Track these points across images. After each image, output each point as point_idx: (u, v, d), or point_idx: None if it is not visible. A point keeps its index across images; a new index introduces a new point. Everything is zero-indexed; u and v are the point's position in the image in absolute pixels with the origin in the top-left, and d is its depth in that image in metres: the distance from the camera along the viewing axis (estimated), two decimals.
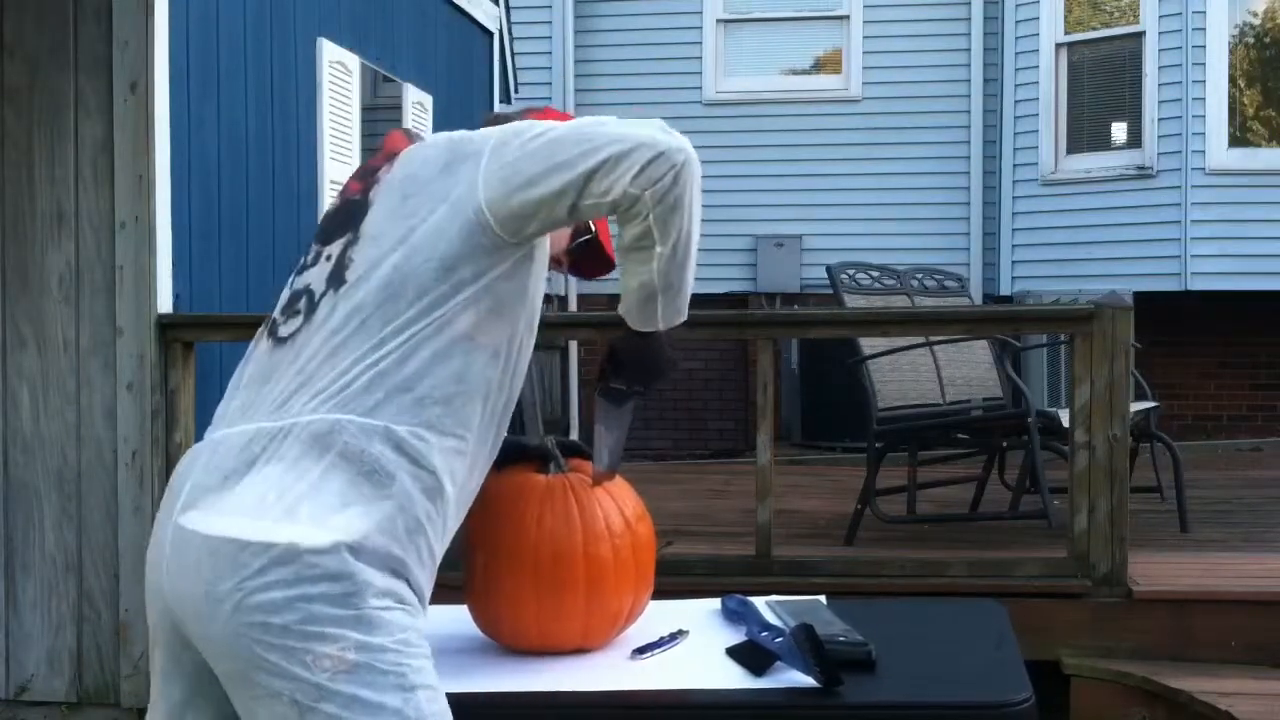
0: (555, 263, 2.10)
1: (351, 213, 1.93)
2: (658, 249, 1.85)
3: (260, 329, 1.97)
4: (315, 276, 1.91)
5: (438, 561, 1.86)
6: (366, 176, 1.97)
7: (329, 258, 1.91)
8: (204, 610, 1.74)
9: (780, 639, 1.96)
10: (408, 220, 1.85)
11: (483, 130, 1.92)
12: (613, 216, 1.87)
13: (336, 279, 1.87)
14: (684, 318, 1.97)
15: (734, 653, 2.01)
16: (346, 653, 1.71)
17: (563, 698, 1.95)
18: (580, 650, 2.13)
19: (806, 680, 1.89)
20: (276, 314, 1.94)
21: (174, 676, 1.87)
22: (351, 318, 1.82)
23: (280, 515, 1.73)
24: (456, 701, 1.79)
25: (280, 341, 1.89)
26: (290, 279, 1.98)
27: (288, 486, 1.75)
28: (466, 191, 1.83)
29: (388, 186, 1.91)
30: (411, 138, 2.00)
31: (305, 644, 1.70)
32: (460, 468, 1.86)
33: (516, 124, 1.89)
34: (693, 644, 2.14)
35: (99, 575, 4.53)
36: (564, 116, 2.07)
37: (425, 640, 1.80)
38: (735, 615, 2.22)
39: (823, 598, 2.34)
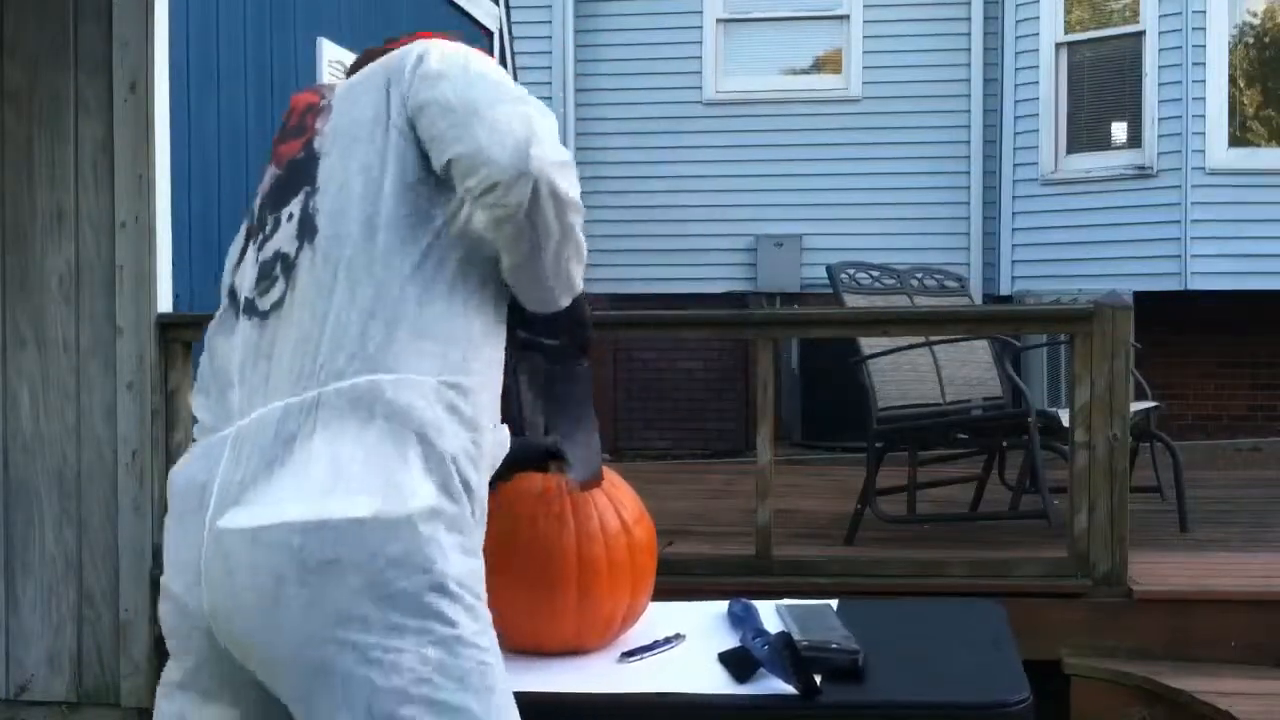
0: None
1: (299, 171, 1.81)
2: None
3: (217, 321, 1.84)
4: (283, 239, 1.77)
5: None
6: (300, 135, 1.85)
7: (290, 217, 1.77)
8: (267, 619, 1.58)
9: (765, 646, 1.95)
10: (364, 159, 1.74)
11: (406, 51, 1.82)
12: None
13: (307, 230, 1.74)
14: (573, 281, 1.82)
15: (723, 658, 2.01)
16: (427, 649, 1.57)
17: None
18: (574, 651, 2.12)
19: (788, 688, 1.89)
20: (248, 293, 1.79)
21: (220, 696, 1.70)
22: (342, 266, 1.69)
23: (341, 490, 1.57)
24: None
25: (265, 315, 1.74)
26: (247, 258, 1.83)
27: (340, 457, 1.59)
28: (397, 114, 1.75)
29: (334, 133, 1.80)
30: (320, 91, 1.90)
31: (385, 639, 1.55)
32: (490, 413, 1.74)
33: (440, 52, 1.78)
34: (687, 648, 2.13)
35: (99, 575, 4.53)
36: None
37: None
38: (737, 620, 2.22)
39: (834, 602, 2.32)
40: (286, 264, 1.75)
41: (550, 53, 10.36)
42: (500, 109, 1.69)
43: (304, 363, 1.67)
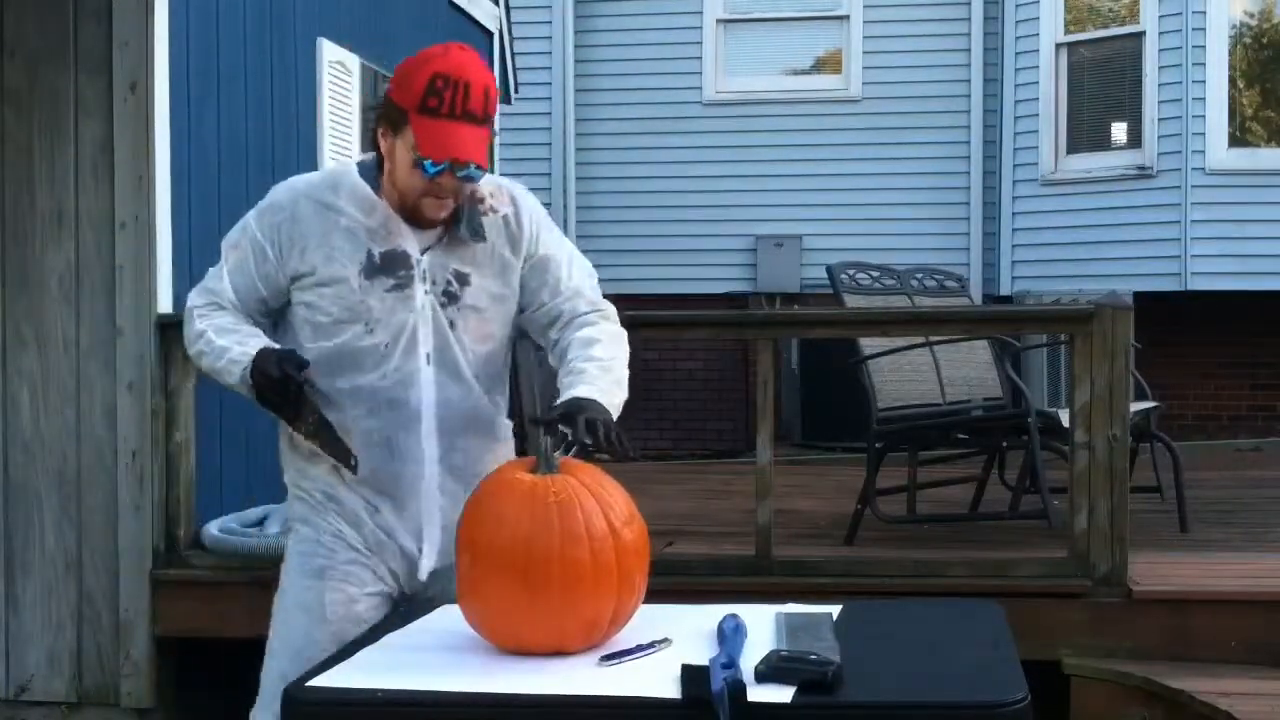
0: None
1: None
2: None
3: None
4: None
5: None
6: None
7: None
8: None
9: (721, 681, 1.86)
10: None
11: None
12: None
13: None
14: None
15: (685, 671, 1.92)
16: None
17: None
18: (559, 652, 2.09)
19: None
20: None
21: None
22: None
23: None
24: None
25: None
26: None
27: None
28: None
29: None
30: None
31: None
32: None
33: None
34: (670, 654, 2.06)
35: (99, 575, 4.53)
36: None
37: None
38: (723, 637, 2.10)
39: (834, 611, 2.28)
40: None
41: (550, 53, 10.36)
42: None
43: None
